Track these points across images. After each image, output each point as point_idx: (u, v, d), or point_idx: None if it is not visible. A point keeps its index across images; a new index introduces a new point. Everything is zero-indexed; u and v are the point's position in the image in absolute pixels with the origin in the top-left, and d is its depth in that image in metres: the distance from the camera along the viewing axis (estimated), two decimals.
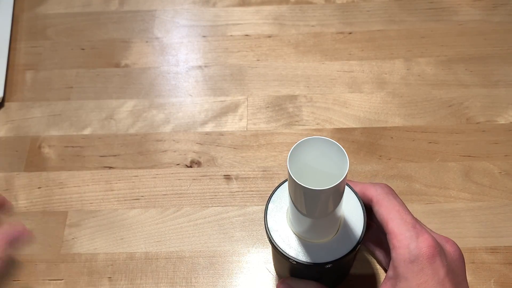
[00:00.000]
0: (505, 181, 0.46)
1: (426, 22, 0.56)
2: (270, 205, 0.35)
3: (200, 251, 0.44)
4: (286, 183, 0.35)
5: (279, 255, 0.33)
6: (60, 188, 0.48)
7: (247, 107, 0.51)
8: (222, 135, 0.50)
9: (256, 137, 0.49)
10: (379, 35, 0.56)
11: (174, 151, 0.49)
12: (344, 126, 0.49)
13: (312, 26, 0.57)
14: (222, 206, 0.46)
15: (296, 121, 0.50)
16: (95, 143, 0.50)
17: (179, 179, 0.48)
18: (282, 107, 0.51)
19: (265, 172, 0.47)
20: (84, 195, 0.47)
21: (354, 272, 0.42)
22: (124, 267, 0.43)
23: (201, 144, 0.50)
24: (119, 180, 0.48)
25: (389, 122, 0.50)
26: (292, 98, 0.52)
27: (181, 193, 0.47)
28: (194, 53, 0.56)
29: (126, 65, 0.56)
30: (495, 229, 0.43)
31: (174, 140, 0.50)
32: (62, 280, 0.43)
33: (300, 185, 0.27)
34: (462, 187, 0.45)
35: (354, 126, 0.49)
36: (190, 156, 0.49)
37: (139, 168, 0.49)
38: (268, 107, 0.51)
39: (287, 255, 0.33)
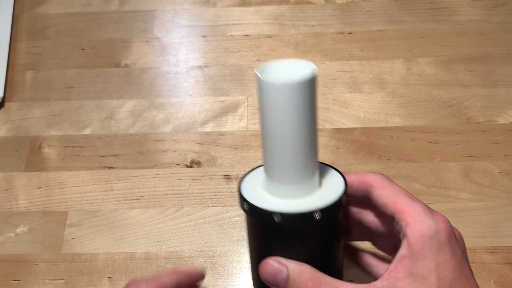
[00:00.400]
0: (505, 181, 0.46)
1: (426, 22, 0.56)
2: (244, 182, 0.32)
3: (200, 251, 0.44)
4: (256, 169, 0.33)
5: (259, 218, 0.29)
6: (60, 188, 0.48)
7: (247, 107, 0.52)
8: (222, 135, 0.50)
9: (256, 137, 0.49)
10: (379, 35, 0.56)
11: (174, 151, 0.49)
12: (344, 126, 0.50)
13: (312, 26, 0.57)
14: (222, 206, 0.46)
15: None
16: (95, 143, 0.50)
17: (179, 179, 0.48)
18: None
19: None
20: (84, 195, 0.47)
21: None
22: (124, 267, 0.43)
23: (201, 144, 0.50)
24: (119, 180, 0.48)
25: (389, 122, 0.50)
26: None
27: (181, 193, 0.47)
28: (194, 53, 0.56)
29: (126, 65, 0.56)
30: (495, 229, 0.43)
31: (174, 140, 0.50)
32: (62, 280, 0.43)
33: (267, 82, 0.26)
34: (462, 187, 0.45)
35: (354, 126, 0.49)
36: (190, 156, 0.49)
37: (139, 168, 0.49)
38: None
39: (269, 211, 0.28)
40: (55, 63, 0.57)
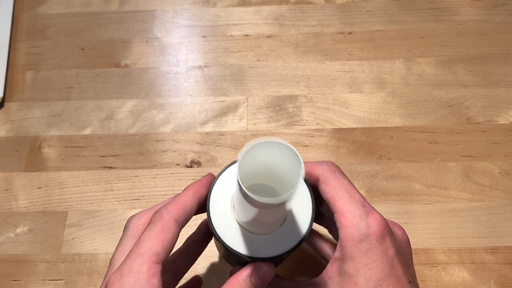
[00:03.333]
0: (505, 181, 0.46)
1: (426, 22, 0.56)
2: (214, 190, 0.32)
3: None
4: (228, 169, 0.32)
5: (224, 248, 0.31)
6: (60, 188, 0.48)
7: (247, 107, 0.51)
8: (222, 135, 0.50)
9: (256, 137, 0.49)
10: (379, 35, 0.56)
11: (174, 151, 0.49)
12: (344, 126, 0.49)
13: (312, 26, 0.57)
14: None
15: (296, 121, 0.50)
16: (95, 143, 0.50)
17: (179, 179, 0.48)
18: (282, 107, 0.51)
19: None
20: (84, 195, 0.47)
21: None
22: None
23: (201, 144, 0.50)
24: (119, 180, 0.48)
25: (389, 122, 0.50)
26: (292, 98, 0.52)
27: None
28: (194, 53, 0.56)
29: (126, 65, 0.56)
30: (495, 229, 0.43)
31: (174, 140, 0.50)
32: (62, 280, 0.43)
33: (251, 197, 0.24)
34: (462, 187, 0.45)
35: (354, 126, 0.49)
36: (190, 156, 0.49)
37: (139, 168, 0.49)
38: (268, 107, 0.51)
39: (232, 249, 0.30)
40: (55, 63, 0.57)
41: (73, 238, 0.45)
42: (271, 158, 0.27)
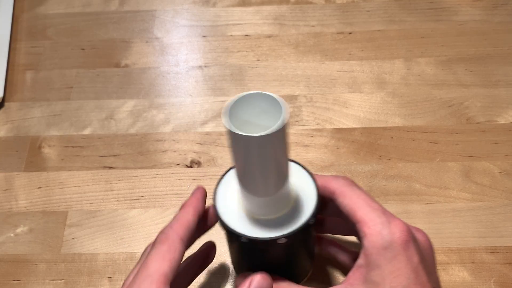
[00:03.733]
0: (505, 181, 0.46)
1: (426, 22, 0.56)
2: (220, 188, 0.33)
3: None
4: (232, 170, 0.33)
5: (230, 236, 0.32)
6: (60, 188, 0.48)
7: None
8: (222, 135, 0.50)
9: None
10: (379, 35, 0.56)
11: (174, 151, 0.49)
12: (344, 126, 0.49)
13: (312, 26, 0.57)
14: None
15: (296, 121, 0.50)
16: (95, 143, 0.50)
17: (179, 179, 0.48)
18: None
19: None
20: (84, 195, 0.47)
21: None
22: (124, 267, 0.43)
23: (201, 144, 0.50)
24: (119, 180, 0.48)
25: (389, 122, 0.50)
26: (292, 98, 0.52)
27: (181, 193, 0.47)
28: (194, 53, 0.56)
29: (126, 65, 0.56)
30: (495, 229, 0.43)
31: (174, 140, 0.50)
32: (62, 280, 0.43)
33: (240, 134, 0.25)
34: (462, 187, 0.45)
35: (354, 126, 0.49)
36: (190, 156, 0.49)
37: (139, 168, 0.49)
38: None
39: (237, 233, 0.31)
40: (55, 63, 0.57)
41: (73, 238, 0.45)
42: (255, 109, 0.28)
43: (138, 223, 0.45)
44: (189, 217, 0.31)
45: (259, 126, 0.28)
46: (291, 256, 0.34)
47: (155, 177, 0.48)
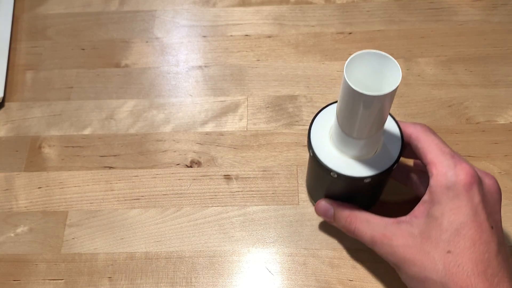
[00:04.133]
0: (505, 181, 0.46)
1: (426, 22, 0.56)
2: (313, 125, 0.37)
3: (200, 251, 0.44)
4: (329, 107, 0.38)
5: (319, 169, 0.35)
6: (60, 188, 0.48)
7: (247, 107, 0.52)
8: (222, 135, 0.50)
9: (256, 137, 0.50)
10: (379, 35, 0.56)
11: (174, 151, 0.49)
12: None
13: (312, 26, 0.57)
14: (222, 206, 0.46)
15: (296, 121, 0.50)
16: (95, 143, 0.50)
17: (179, 179, 0.48)
18: (282, 107, 0.51)
19: (265, 172, 0.47)
20: (84, 195, 0.47)
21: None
22: (124, 267, 0.43)
23: (201, 144, 0.50)
24: (119, 180, 0.48)
25: None
26: (292, 98, 0.52)
27: (181, 193, 0.47)
28: (194, 53, 0.56)
29: (126, 65, 0.56)
30: None
31: (174, 140, 0.50)
32: (62, 280, 0.43)
33: (359, 92, 0.29)
34: None
35: None
36: (190, 156, 0.49)
37: (139, 168, 0.49)
38: (268, 107, 0.51)
39: (329, 168, 0.35)
40: (55, 63, 0.57)
41: (73, 238, 0.45)
42: (372, 67, 0.31)
43: (138, 223, 0.45)
44: None
45: (366, 85, 0.31)
46: (368, 191, 0.39)
47: (155, 177, 0.48)
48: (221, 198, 0.46)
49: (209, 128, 0.51)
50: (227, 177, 0.47)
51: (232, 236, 0.44)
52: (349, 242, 0.43)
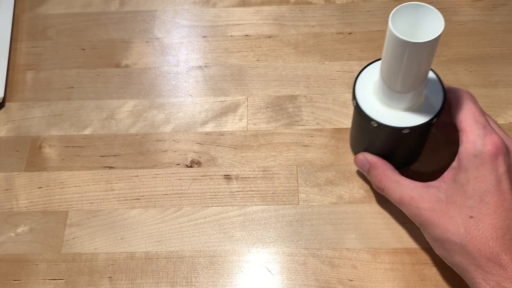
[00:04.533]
0: None
1: None
2: (358, 79, 0.39)
3: (200, 250, 0.44)
4: (374, 64, 0.40)
5: (361, 119, 0.38)
6: (61, 188, 0.48)
7: (247, 107, 0.52)
8: (222, 135, 0.50)
9: (256, 137, 0.50)
10: (379, 35, 0.56)
11: (174, 151, 0.49)
12: (344, 126, 0.50)
13: (312, 26, 0.57)
14: (222, 206, 0.46)
15: (296, 121, 0.50)
16: (96, 143, 0.51)
17: (179, 179, 0.48)
18: (282, 107, 0.51)
19: (265, 172, 0.47)
20: (85, 195, 0.47)
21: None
22: (125, 266, 0.43)
23: (201, 144, 0.50)
24: (120, 180, 0.48)
25: None
26: (292, 98, 0.52)
27: (181, 193, 0.47)
28: (194, 53, 0.56)
29: (127, 65, 0.56)
30: None
31: (174, 140, 0.50)
32: (63, 280, 0.43)
33: (405, 40, 0.30)
34: None
35: None
36: (190, 156, 0.49)
37: (140, 168, 0.49)
38: (268, 107, 0.51)
39: (369, 117, 0.37)
40: (56, 63, 0.57)
41: (73, 238, 0.45)
42: (411, 21, 0.32)
43: (138, 223, 0.46)
44: None
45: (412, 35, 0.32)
46: (408, 145, 0.41)
47: (155, 177, 0.48)
48: (221, 198, 0.46)
49: (209, 128, 0.51)
50: (227, 177, 0.47)
51: (232, 236, 0.44)
52: (349, 242, 0.43)
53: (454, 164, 0.35)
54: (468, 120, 0.35)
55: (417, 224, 0.37)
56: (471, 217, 0.33)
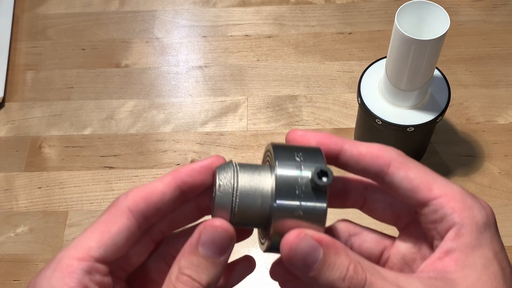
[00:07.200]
0: (505, 181, 0.46)
1: None
2: (363, 77, 0.39)
3: None
4: (378, 62, 0.40)
5: (366, 116, 0.38)
6: (61, 188, 0.48)
7: (247, 107, 0.52)
8: (222, 135, 0.50)
9: (256, 137, 0.50)
10: (379, 35, 0.56)
11: (174, 151, 0.49)
12: (344, 126, 0.50)
13: (312, 26, 0.57)
14: None
15: (296, 121, 0.50)
16: (96, 143, 0.50)
17: None
18: (282, 107, 0.51)
19: None
20: (85, 195, 0.47)
21: None
22: None
23: (201, 144, 0.50)
24: (120, 180, 0.48)
25: None
26: (292, 98, 0.52)
27: None
28: (194, 53, 0.56)
29: (127, 65, 0.56)
30: None
31: (174, 140, 0.50)
32: None
33: (411, 38, 0.31)
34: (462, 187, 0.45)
35: (354, 126, 0.49)
36: (190, 156, 0.49)
37: (140, 168, 0.49)
38: (268, 107, 0.51)
39: (374, 114, 0.37)
40: (56, 63, 0.57)
41: (73, 238, 0.45)
42: (417, 19, 0.33)
43: None
44: (159, 186, 0.24)
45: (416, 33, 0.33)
46: (413, 144, 0.41)
47: (155, 177, 0.48)
48: None
49: (209, 128, 0.51)
50: None
51: None
52: None
53: (450, 244, 0.24)
54: (439, 181, 0.24)
55: None
56: None
